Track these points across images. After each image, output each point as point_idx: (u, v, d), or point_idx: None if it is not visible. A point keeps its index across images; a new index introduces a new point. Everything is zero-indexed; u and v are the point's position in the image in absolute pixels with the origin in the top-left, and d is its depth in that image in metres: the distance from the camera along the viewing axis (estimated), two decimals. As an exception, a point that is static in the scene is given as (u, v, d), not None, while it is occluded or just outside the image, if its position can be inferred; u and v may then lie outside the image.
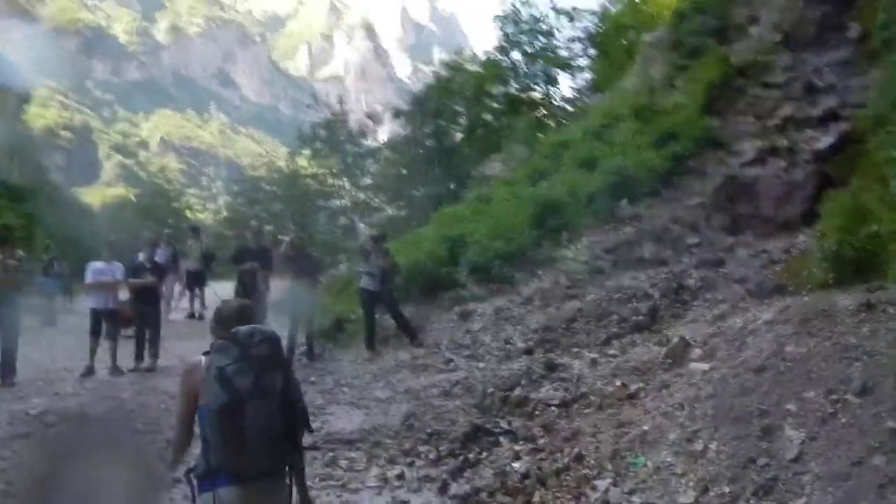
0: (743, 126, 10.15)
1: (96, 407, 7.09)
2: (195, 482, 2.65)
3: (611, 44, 23.32)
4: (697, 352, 5.27)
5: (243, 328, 2.72)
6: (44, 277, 16.02)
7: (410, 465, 5.05)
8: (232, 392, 2.52)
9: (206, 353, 2.76)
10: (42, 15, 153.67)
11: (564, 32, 28.64)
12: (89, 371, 9.00)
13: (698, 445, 3.78)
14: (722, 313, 6.04)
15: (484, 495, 4.28)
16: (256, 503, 2.66)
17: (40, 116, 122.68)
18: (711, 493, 3.34)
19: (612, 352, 6.34)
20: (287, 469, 2.75)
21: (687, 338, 5.60)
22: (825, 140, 8.04)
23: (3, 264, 8.64)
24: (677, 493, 3.49)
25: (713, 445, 3.71)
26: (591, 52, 27.44)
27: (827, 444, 3.40)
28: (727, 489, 3.30)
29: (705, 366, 4.86)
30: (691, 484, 3.51)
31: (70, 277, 17.77)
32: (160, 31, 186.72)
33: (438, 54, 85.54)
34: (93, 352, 9.24)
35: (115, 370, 9.13)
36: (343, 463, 5.17)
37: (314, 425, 6.09)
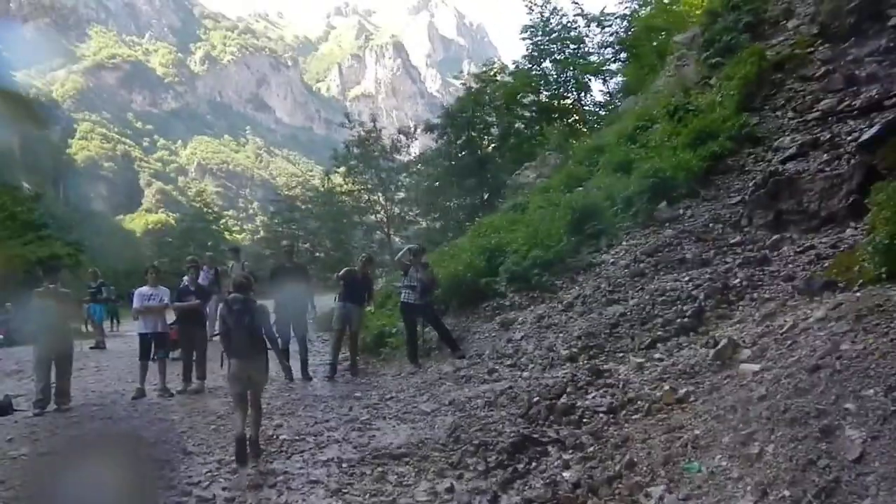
0: (782, 121, 9.94)
1: (149, 430, 7.21)
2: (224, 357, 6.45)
3: (641, 47, 23.14)
4: (747, 352, 5.14)
5: (232, 295, 6.48)
6: (92, 304, 16.44)
7: (459, 477, 5.02)
8: (225, 324, 6.32)
9: None
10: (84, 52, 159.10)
11: (594, 38, 28.56)
12: (140, 394, 9.21)
13: (754, 449, 3.68)
14: (770, 312, 5.88)
15: (535, 506, 4.23)
16: (245, 366, 6.20)
17: (84, 149, 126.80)
18: (771, 498, 3.24)
19: (658, 356, 6.22)
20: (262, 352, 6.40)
21: (735, 339, 5.47)
22: (869, 131, 7.80)
23: (54, 293, 8.89)
24: (735, 499, 3.39)
25: (770, 448, 3.60)
26: (622, 55, 27.27)
27: (890, 442, 3.27)
28: (787, 493, 3.19)
29: (756, 367, 4.73)
30: (749, 488, 3.41)
31: (117, 302, 18.24)
32: (195, 62, 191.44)
33: (468, 67, 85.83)
34: (143, 375, 9.46)
35: (165, 392, 9.31)
36: (392, 478, 5.16)
37: (361, 440, 6.17)
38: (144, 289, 9.75)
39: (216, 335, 8.50)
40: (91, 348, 14.69)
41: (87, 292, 16.58)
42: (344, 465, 5.54)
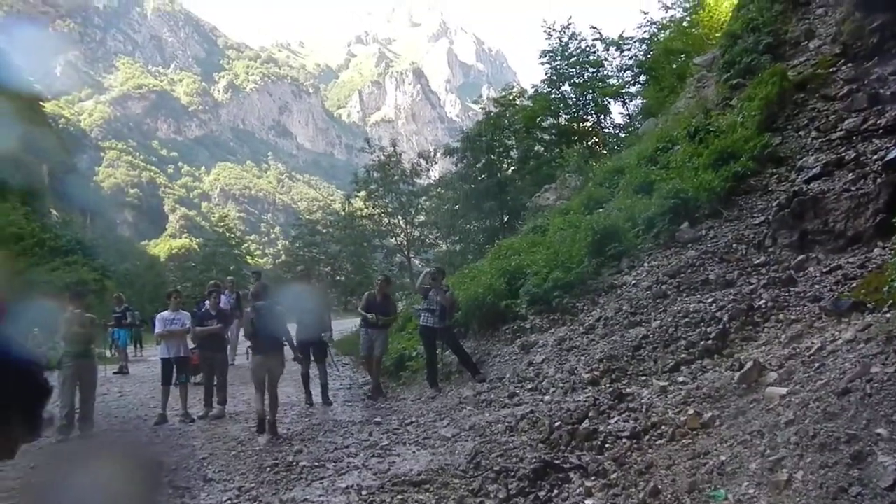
0: (805, 140, 9.82)
1: (170, 456, 7.21)
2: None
3: (661, 69, 23.19)
4: (773, 375, 5.01)
5: (258, 303, 8.31)
6: (117, 328, 16.60)
7: (480, 505, 4.94)
8: (252, 326, 8.16)
9: None
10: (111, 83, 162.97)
11: (613, 62, 28.66)
12: (162, 419, 9.25)
13: (782, 475, 3.56)
14: (797, 334, 5.74)
15: (557, 535, 4.13)
16: (267, 360, 8.05)
17: (110, 176, 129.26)
18: (801, 527, 3.14)
19: (681, 379, 6.09)
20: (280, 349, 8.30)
21: (761, 361, 5.35)
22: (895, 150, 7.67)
23: (79, 318, 8.99)
24: (764, 527, 3.29)
25: (799, 475, 3.48)
26: (642, 78, 27.30)
27: (925, 469, 3.15)
28: (818, 521, 3.09)
29: (783, 390, 4.61)
30: (778, 517, 3.30)
31: (141, 327, 18.41)
32: (219, 91, 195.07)
33: (487, 92, 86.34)
34: (165, 400, 9.52)
35: (186, 417, 9.34)
36: (412, 505, 5.09)
37: (381, 466, 6.11)
38: (166, 313, 9.85)
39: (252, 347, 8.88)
40: (115, 373, 14.82)
41: (112, 317, 16.75)
42: (364, 492, 5.48)
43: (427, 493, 5.31)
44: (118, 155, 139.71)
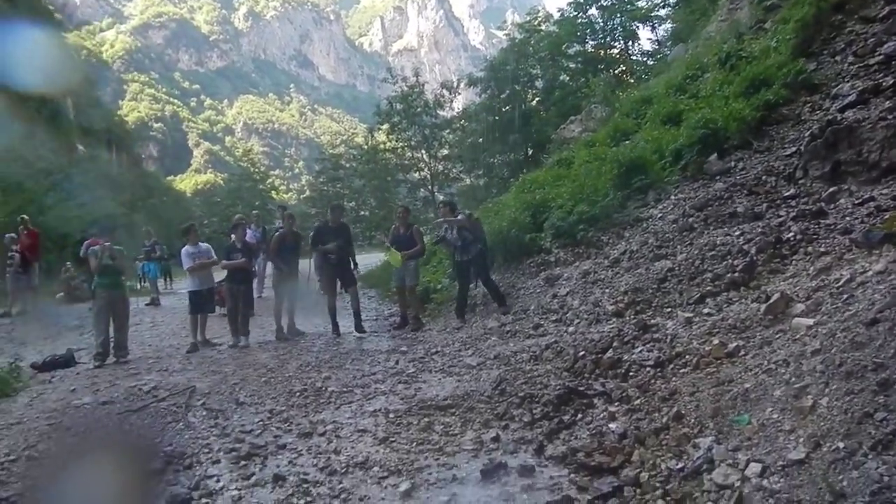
0: (841, 66, 9.45)
1: (203, 381, 7.46)
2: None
3: (694, -10, 22.26)
4: (800, 307, 4.99)
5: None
6: (146, 262, 16.93)
7: (505, 428, 5.08)
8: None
9: None
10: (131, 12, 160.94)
11: (643, -17, 27.62)
12: (194, 347, 9.57)
13: (807, 402, 3.60)
14: (826, 266, 5.68)
15: (581, 455, 4.24)
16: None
17: (134, 110, 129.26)
18: (824, 449, 3.17)
19: (707, 311, 6.10)
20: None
21: (788, 293, 5.32)
22: (937, 76, 7.39)
23: (110, 250, 9.19)
24: (786, 450, 3.33)
25: (824, 401, 3.52)
26: (672, 0, 26.31)
27: (951, 396, 3.17)
28: (841, 444, 3.12)
29: (810, 321, 4.61)
30: (801, 440, 3.34)
31: (170, 260, 18.77)
32: (239, 18, 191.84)
33: (512, 17, 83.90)
34: (195, 329, 9.83)
35: (207, 343, 9.77)
36: (438, 428, 5.25)
37: (408, 392, 6.28)
38: (189, 247, 10.04)
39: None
40: (146, 305, 15.22)
41: (142, 251, 17.08)
42: (391, 415, 5.66)
43: (453, 417, 5.47)
44: (141, 88, 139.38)
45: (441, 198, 21.89)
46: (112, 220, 19.23)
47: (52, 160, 26.26)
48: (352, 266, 10.32)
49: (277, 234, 11.15)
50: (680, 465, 3.76)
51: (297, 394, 6.64)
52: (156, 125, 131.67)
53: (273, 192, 56.57)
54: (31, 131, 27.04)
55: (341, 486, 4.34)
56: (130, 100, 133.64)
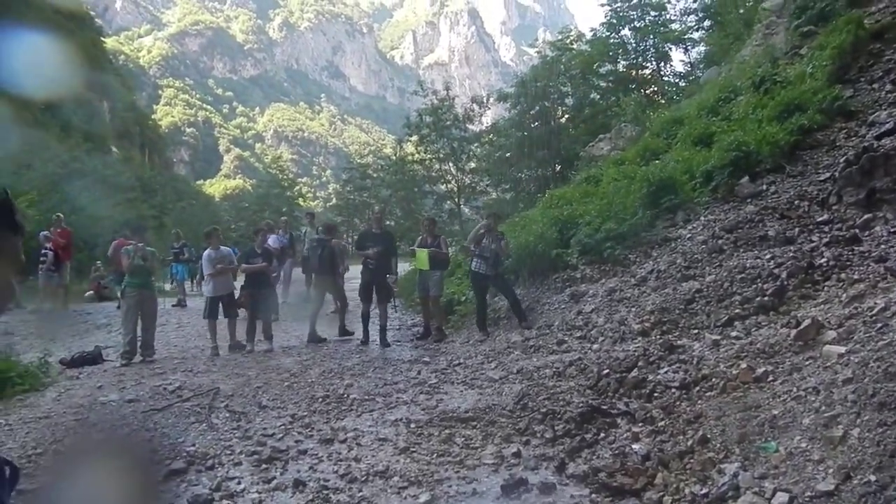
0: (879, 94, 9.33)
1: (226, 383, 7.53)
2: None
3: (727, 14, 22.15)
4: (832, 334, 4.91)
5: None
6: (175, 263, 17.15)
7: (526, 443, 5.05)
8: None
9: None
10: (169, 19, 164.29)
11: (677, 5, 27.58)
12: (215, 352, 9.64)
13: (837, 431, 3.53)
14: (859, 294, 5.59)
15: (603, 475, 4.20)
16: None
17: (168, 114, 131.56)
18: (854, 482, 3.11)
19: (735, 334, 6.02)
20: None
21: (819, 319, 5.24)
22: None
23: (141, 251, 9.34)
24: (815, 480, 3.27)
25: (855, 432, 3.45)
26: (706, 23, 26.21)
27: None
28: (873, 478, 3.05)
29: (842, 349, 4.53)
30: (830, 471, 3.28)
31: (197, 263, 19.01)
32: (273, 29, 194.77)
33: (543, 35, 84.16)
34: (213, 333, 9.89)
35: (237, 346, 9.79)
36: (459, 440, 5.23)
37: (429, 403, 6.27)
38: (210, 252, 10.13)
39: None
40: (173, 306, 15.41)
41: (171, 252, 17.31)
42: (412, 425, 5.65)
43: (474, 430, 5.45)
44: (175, 94, 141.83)
45: (483, 211, 22.06)
46: (143, 221, 19.57)
47: (86, 161, 26.77)
48: (389, 276, 10.38)
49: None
50: (704, 491, 3.70)
51: (320, 399, 6.67)
52: (188, 130, 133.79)
53: (300, 198, 57.11)
54: (67, 133, 27.65)
55: (361, 494, 4.35)
56: (165, 104, 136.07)
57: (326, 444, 5.33)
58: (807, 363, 4.68)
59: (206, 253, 10.26)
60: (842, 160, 8.35)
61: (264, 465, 4.92)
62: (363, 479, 4.57)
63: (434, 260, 10.32)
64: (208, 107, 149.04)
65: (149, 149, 46.52)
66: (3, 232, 1.36)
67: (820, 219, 7.79)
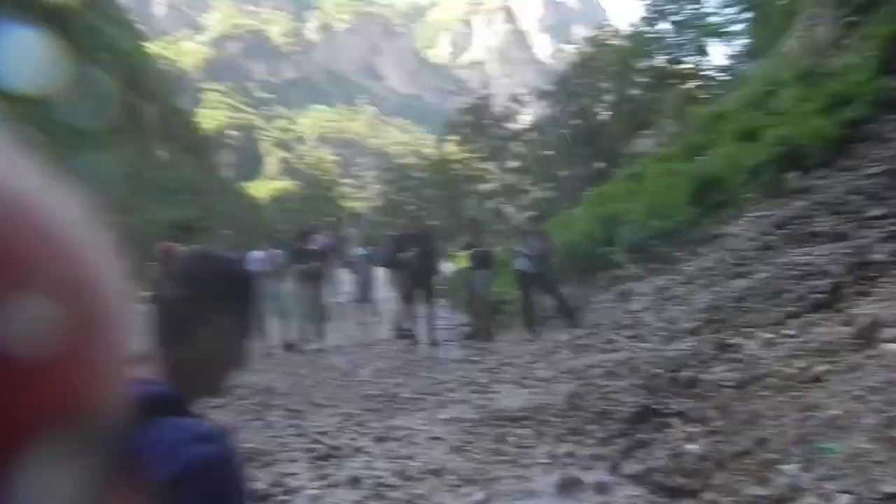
0: (931, 84, 9.09)
1: (280, 382, 7.73)
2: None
3: (769, 5, 21.66)
4: (892, 332, 4.83)
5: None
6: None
7: (579, 443, 5.08)
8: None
9: None
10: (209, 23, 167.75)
11: (715, -2, 27.02)
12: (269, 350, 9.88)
13: (900, 432, 3.50)
14: (918, 291, 5.49)
15: (659, 476, 4.22)
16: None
17: (212, 118, 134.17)
18: (920, 482, 3.09)
19: (789, 332, 5.93)
20: None
21: (878, 317, 5.15)
22: None
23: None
24: (880, 482, 3.24)
25: (919, 432, 3.42)
26: (747, 15, 25.65)
27: None
28: (939, 478, 3.04)
29: (902, 347, 4.46)
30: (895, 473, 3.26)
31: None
32: (311, 30, 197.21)
33: (579, 31, 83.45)
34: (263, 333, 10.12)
35: (289, 346, 10.02)
36: (511, 439, 5.29)
37: (480, 402, 6.34)
38: (258, 253, 10.39)
39: None
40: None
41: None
42: (465, 423, 5.73)
43: (526, 429, 5.50)
44: (217, 97, 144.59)
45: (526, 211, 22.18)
46: (192, 223, 20.04)
47: (138, 164, 27.54)
48: (431, 276, 10.47)
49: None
50: (763, 492, 3.70)
51: (371, 398, 6.80)
52: (231, 133, 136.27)
53: (343, 200, 57.73)
54: (118, 137, 28.45)
55: (416, 491, 4.44)
56: (208, 108, 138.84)
57: (380, 442, 5.44)
58: (866, 362, 4.61)
59: (253, 253, 10.52)
60: (894, 153, 8.17)
61: (320, 462, 5.05)
62: (418, 476, 4.67)
63: (479, 259, 10.38)
64: (250, 109, 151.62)
65: (196, 152, 47.51)
66: (226, 311, 1.21)
67: (873, 214, 7.62)
